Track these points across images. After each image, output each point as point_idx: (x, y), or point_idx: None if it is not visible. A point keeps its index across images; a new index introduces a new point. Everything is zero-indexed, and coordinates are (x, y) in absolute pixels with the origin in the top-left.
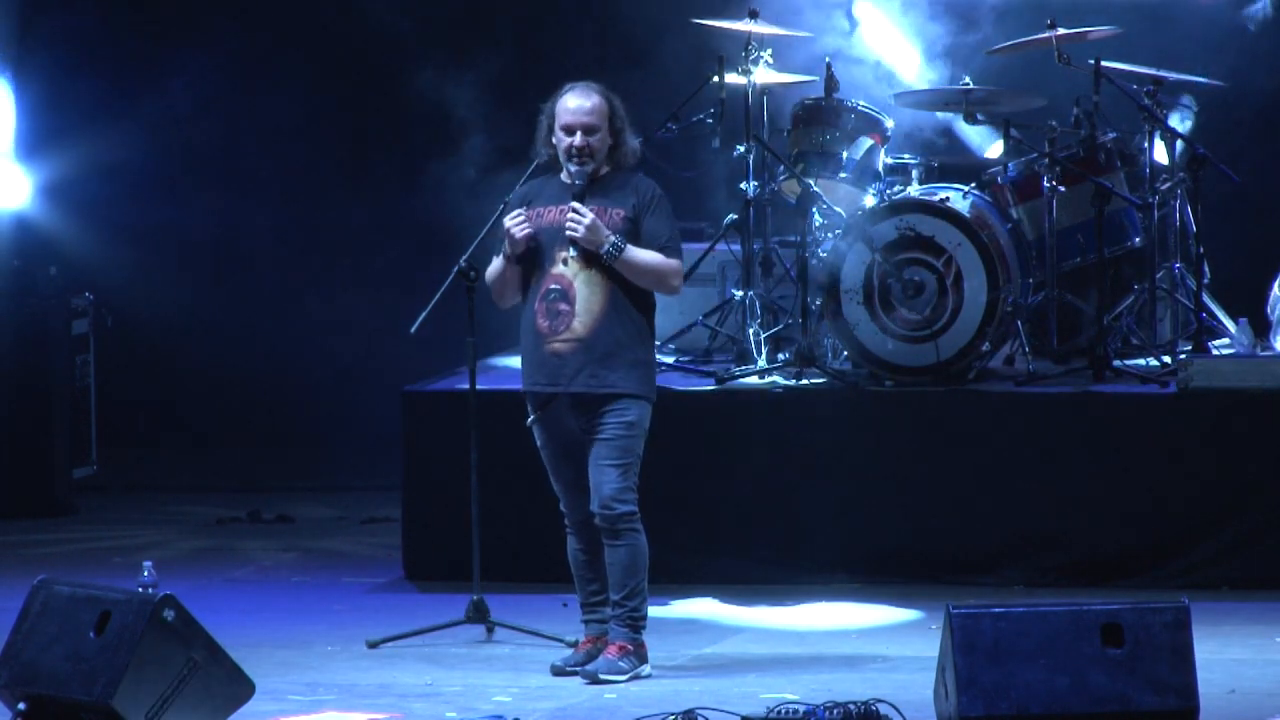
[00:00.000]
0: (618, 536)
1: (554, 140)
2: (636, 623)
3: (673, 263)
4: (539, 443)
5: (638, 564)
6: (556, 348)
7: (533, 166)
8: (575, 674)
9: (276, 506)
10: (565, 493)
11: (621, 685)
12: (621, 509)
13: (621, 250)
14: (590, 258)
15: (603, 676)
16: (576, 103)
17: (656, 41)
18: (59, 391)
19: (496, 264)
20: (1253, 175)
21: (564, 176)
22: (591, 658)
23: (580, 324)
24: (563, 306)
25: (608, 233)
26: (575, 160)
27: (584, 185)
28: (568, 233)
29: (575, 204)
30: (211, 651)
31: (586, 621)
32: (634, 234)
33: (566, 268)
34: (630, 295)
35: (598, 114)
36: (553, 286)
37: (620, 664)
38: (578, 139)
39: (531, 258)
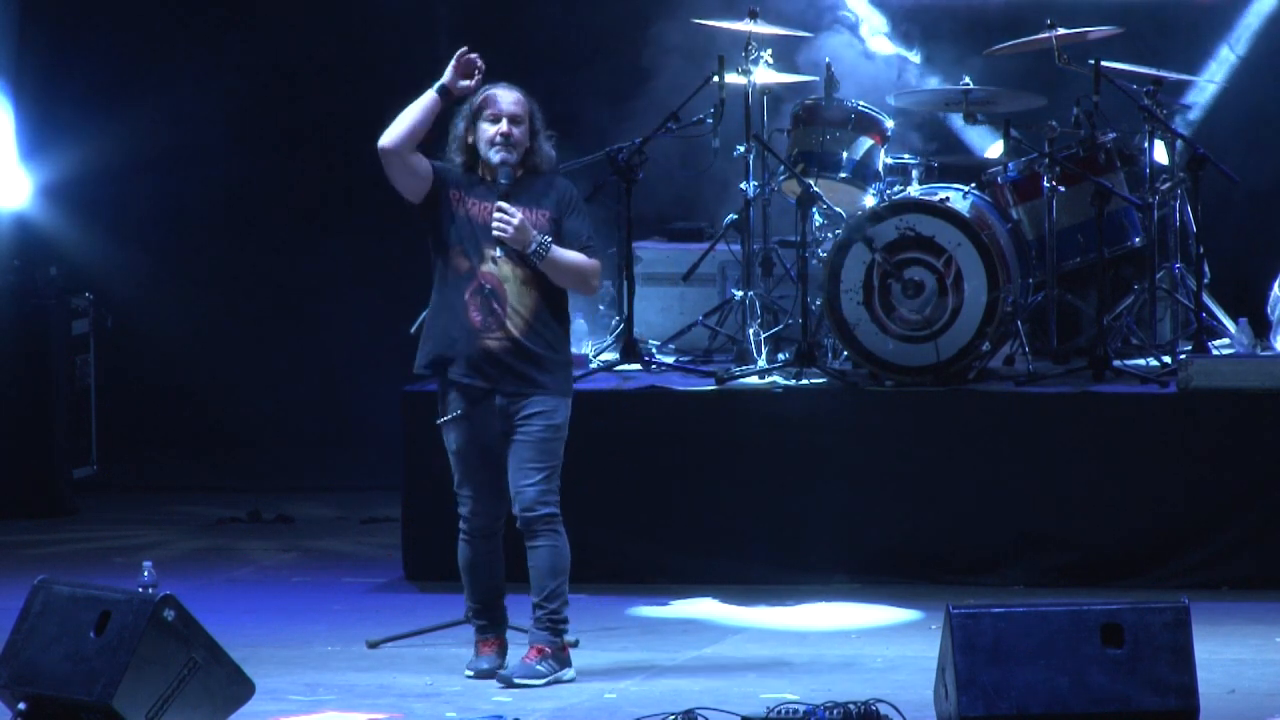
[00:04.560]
0: (538, 538)
1: (471, 137)
2: (556, 625)
3: (594, 262)
4: (456, 444)
5: (559, 566)
6: (489, 345)
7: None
8: (491, 677)
9: (276, 506)
10: (478, 497)
11: (621, 685)
12: (544, 510)
13: (549, 250)
14: (518, 257)
15: (518, 680)
16: (503, 94)
17: (657, 41)
18: (59, 391)
19: (423, 98)
20: (1253, 175)
21: (482, 174)
22: (499, 660)
23: (512, 324)
24: (494, 305)
25: (535, 233)
26: (500, 148)
27: (509, 184)
28: (495, 233)
29: (501, 204)
30: (211, 651)
31: (484, 626)
32: (556, 234)
33: (496, 267)
34: (556, 297)
35: (522, 107)
36: (482, 283)
37: (538, 668)
38: (504, 125)
39: (456, 243)
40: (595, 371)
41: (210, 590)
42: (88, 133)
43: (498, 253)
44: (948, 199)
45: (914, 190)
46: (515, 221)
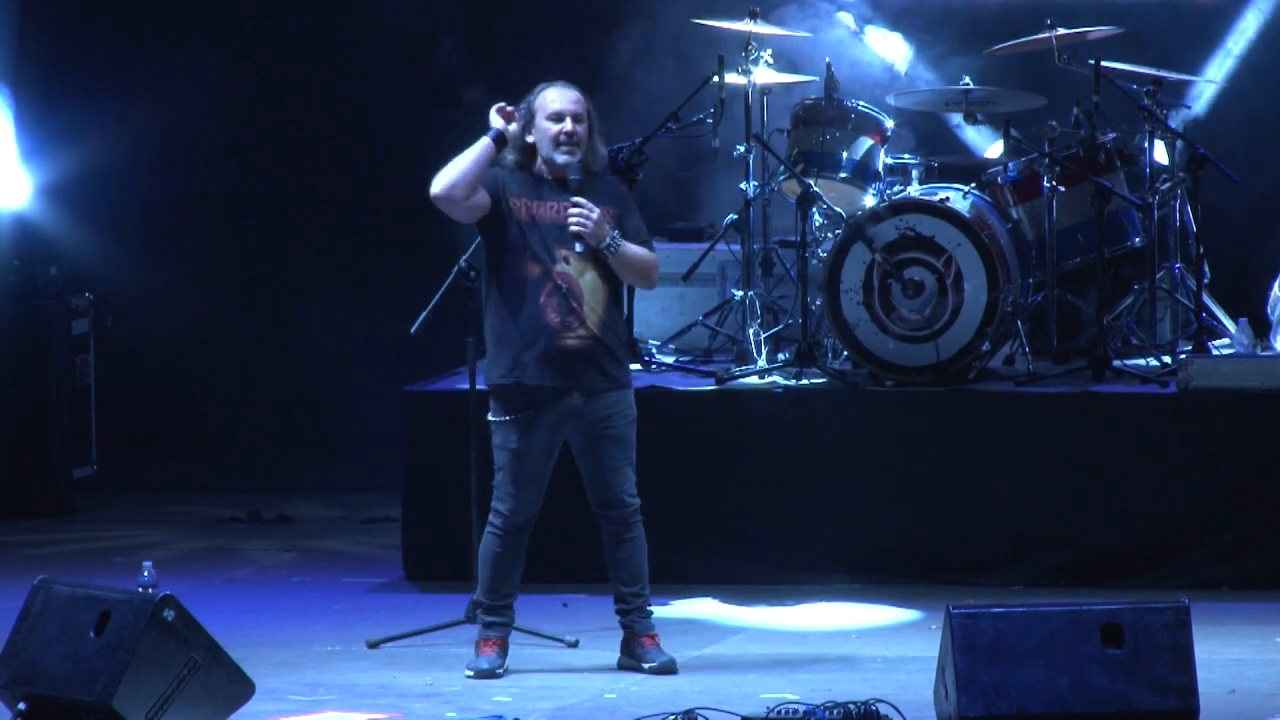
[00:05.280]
0: (632, 530)
1: (531, 137)
2: (650, 612)
3: (655, 257)
4: (517, 443)
5: (646, 554)
6: (569, 344)
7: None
8: (491, 677)
9: (276, 506)
10: (525, 493)
11: (621, 685)
12: (635, 504)
13: (620, 245)
14: (589, 255)
15: (671, 667)
16: (563, 93)
17: (656, 41)
18: (59, 391)
19: (475, 147)
20: (1253, 175)
21: (541, 171)
22: (500, 660)
23: (590, 322)
24: (573, 304)
25: (608, 228)
26: (564, 149)
27: (581, 179)
28: (574, 228)
29: (577, 199)
30: (211, 651)
31: (494, 624)
32: (620, 231)
33: (570, 265)
34: (619, 293)
35: (581, 106)
36: (558, 283)
37: (667, 652)
38: (567, 124)
39: (525, 249)
40: None
41: (210, 590)
42: (88, 133)
43: (577, 248)
44: (948, 199)
45: (914, 190)
46: (594, 216)
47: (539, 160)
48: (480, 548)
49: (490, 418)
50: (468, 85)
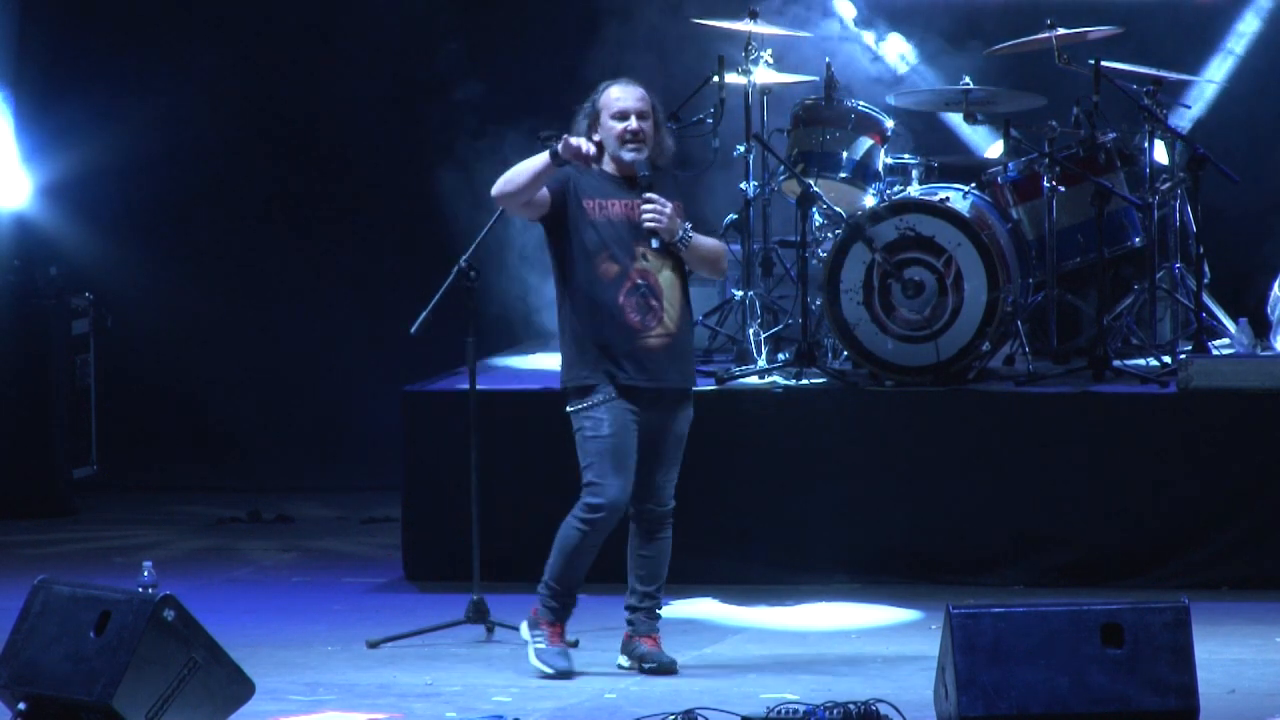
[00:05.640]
0: (664, 530)
1: (597, 135)
2: (659, 614)
3: (725, 246)
4: (609, 430)
5: (669, 558)
6: (650, 343)
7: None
8: (569, 677)
9: (276, 506)
10: (621, 485)
11: (621, 686)
12: (673, 505)
13: (692, 237)
14: (663, 250)
15: (671, 668)
16: (626, 91)
17: (655, 41)
18: (59, 391)
19: (536, 160)
20: (1252, 175)
21: (610, 168)
22: (566, 655)
23: (669, 319)
24: (653, 302)
25: (680, 221)
26: (630, 146)
27: (651, 175)
28: (648, 223)
29: (649, 194)
30: (211, 651)
31: (559, 608)
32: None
33: (649, 262)
34: (688, 289)
35: (646, 103)
36: (639, 281)
37: (667, 653)
38: (633, 123)
39: (601, 249)
40: None
41: (210, 590)
42: (88, 133)
43: (653, 244)
44: (948, 199)
45: (914, 190)
46: (668, 210)
47: (606, 158)
48: (567, 537)
49: (571, 408)
50: (467, 85)
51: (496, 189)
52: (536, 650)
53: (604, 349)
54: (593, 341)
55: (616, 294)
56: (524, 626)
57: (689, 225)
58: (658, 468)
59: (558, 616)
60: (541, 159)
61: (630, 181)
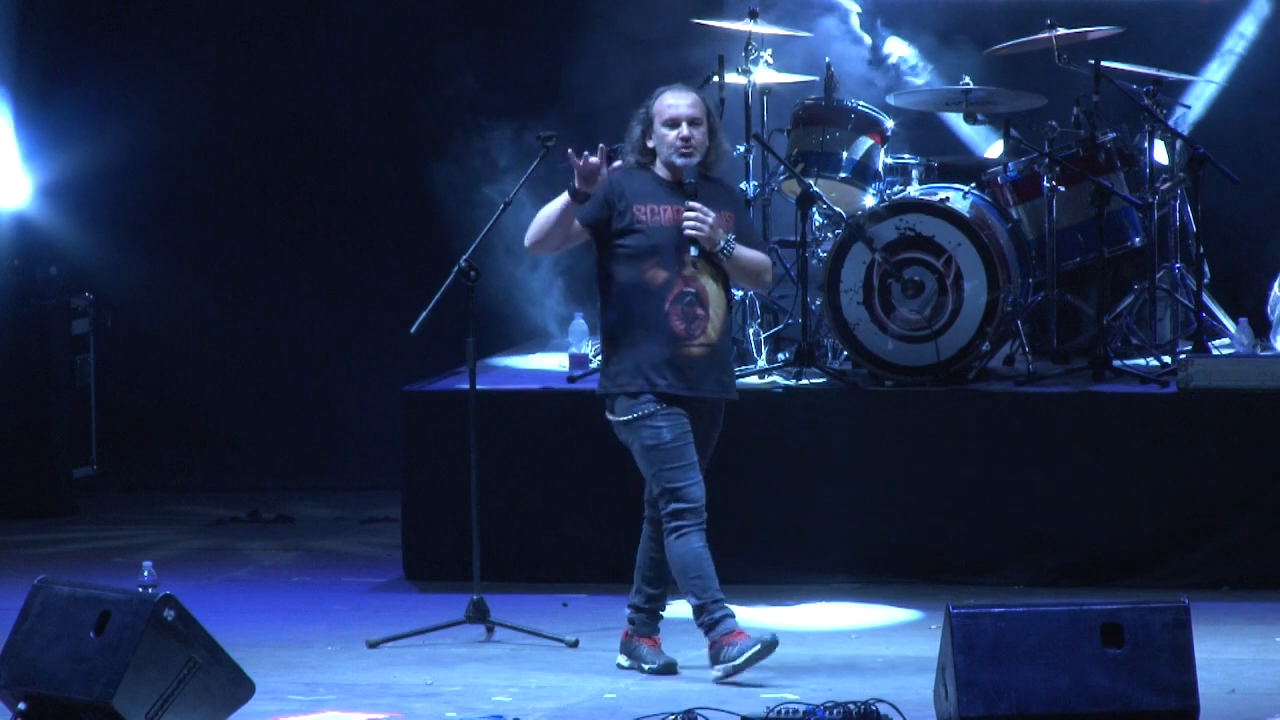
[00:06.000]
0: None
1: (651, 141)
2: (662, 617)
3: (768, 259)
4: (668, 435)
5: None
6: (693, 352)
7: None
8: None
9: (276, 506)
10: (697, 481)
11: (621, 685)
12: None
13: (734, 248)
14: (706, 259)
15: (672, 668)
16: (679, 97)
17: (655, 41)
18: (59, 391)
19: (557, 203)
20: (1253, 175)
21: (661, 173)
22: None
23: (712, 329)
24: (699, 310)
25: (723, 232)
26: (681, 153)
27: (697, 182)
28: (689, 231)
29: (692, 202)
30: (211, 651)
31: (724, 616)
32: (736, 233)
33: (696, 270)
34: (731, 299)
35: (699, 108)
36: (686, 289)
37: (666, 654)
38: (684, 129)
39: (650, 255)
40: (595, 371)
41: (210, 590)
42: (88, 133)
43: (693, 252)
44: (948, 199)
45: (914, 190)
46: (710, 220)
47: (660, 164)
48: (680, 555)
49: (621, 417)
50: (467, 86)
51: (528, 241)
52: (736, 654)
53: (646, 355)
54: (635, 347)
55: (663, 300)
56: (715, 671)
57: (732, 237)
58: None
59: (731, 624)
60: (562, 200)
61: (681, 187)
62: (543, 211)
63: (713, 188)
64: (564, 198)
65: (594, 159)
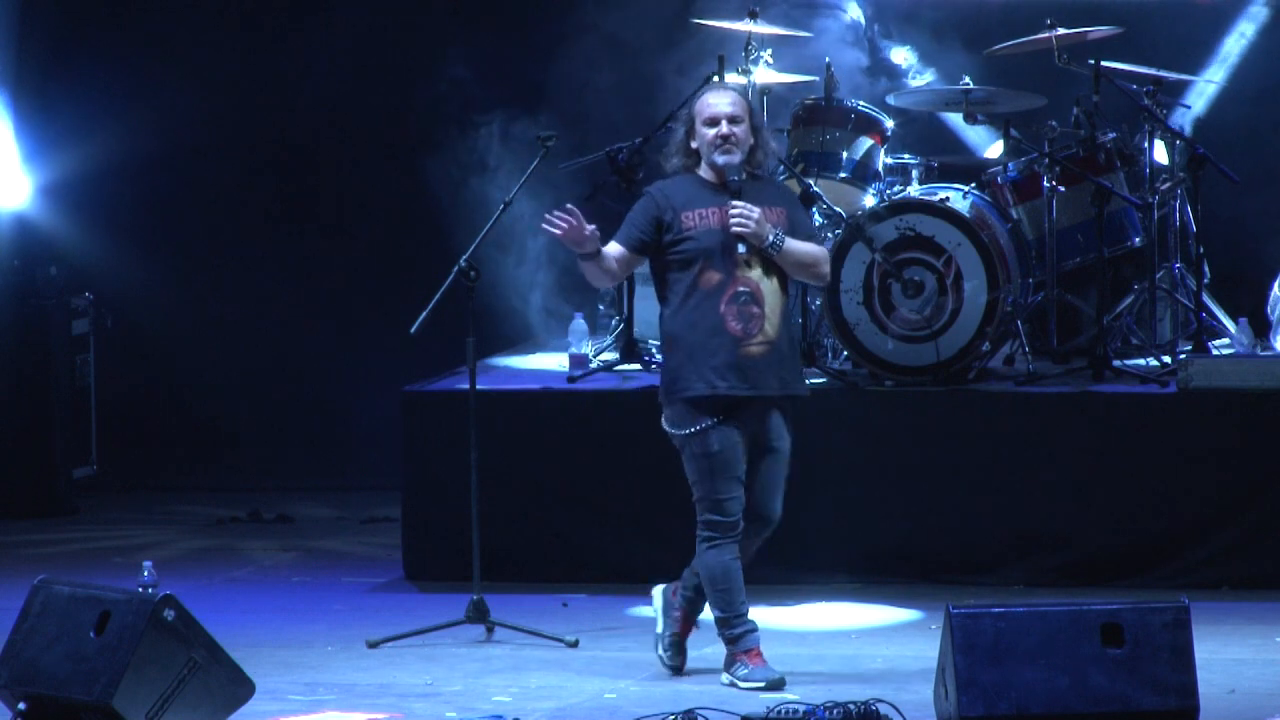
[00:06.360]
0: (760, 546)
1: (694, 142)
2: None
3: (824, 250)
4: (716, 446)
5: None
6: (752, 351)
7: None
8: (782, 687)
9: (276, 506)
10: (737, 497)
11: (621, 685)
12: (778, 518)
13: (784, 243)
14: (760, 257)
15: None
16: (719, 96)
17: (655, 41)
18: (59, 391)
19: (583, 264)
20: (1253, 175)
21: (704, 174)
22: (772, 669)
23: (770, 326)
24: (754, 309)
25: (770, 226)
26: (721, 150)
27: (741, 180)
28: (735, 229)
29: (735, 201)
30: (211, 651)
31: (743, 634)
32: (790, 229)
33: (751, 269)
34: (790, 297)
35: (739, 105)
36: (741, 289)
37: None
38: (723, 127)
39: (704, 258)
40: (595, 371)
41: (210, 590)
42: (87, 133)
43: (740, 249)
44: (948, 199)
45: (914, 190)
46: (754, 215)
47: (704, 165)
48: (709, 566)
49: (673, 429)
50: (468, 85)
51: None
52: (741, 677)
53: (706, 358)
54: (694, 350)
55: (718, 303)
56: (724, 675)
57: (780, 230)
58: (757, 481)
59: (747, 643)
60: (584, 262)
61: (725, 187)
62: (584, 270)
63: (759, 184)
64: (584, 264)
65: (569, 221)
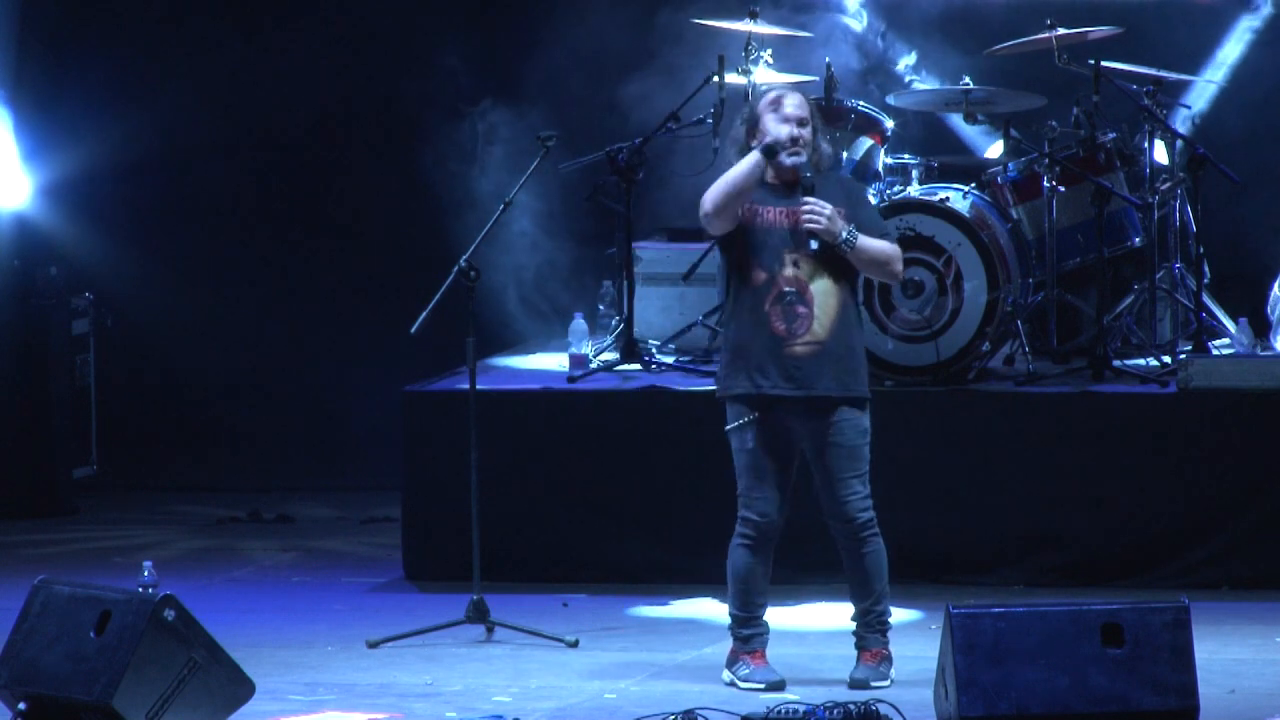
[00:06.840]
0: (865, 544)
1: (754, 141)
2: (886, 627)
3: (897, 248)
4: (751, 444)
5: (883, 569)
6: (797, 351)
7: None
8: (783, 689)
9: (276, 506)
10: (768, 497)
11: (621, 685)
12: (866, 517)
13: (857, 239)
14: (820, 257)
15: (874, 684)
16: (787, 98)
17: (655, 41)
18: (59, 391)
19: (746, 165)
20: (1253, 175)
21: (767, 175)
22: (773, 670)
23: (820, 326)
24: (800, 309)
25: (843, 223)
26: (790, 152)
27: (813, 177)
28: (809, 225)
29: (808, 197)
30: (211, 651)
31: (751, 636)
32: (855, 226)
33: (799, 269)
34: (853, 298)
35: (806, 109)
36: (786, 289)
37: (886, 671)
38: (793, 129)
39: (753, 256)
40: (595, 371)
41: (210, 590)
42: (88, 133)
43: (813, 246)
44: (948, 199)
45: (914, 190)
46: (828, 212)
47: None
48: (733, 560)
49: (726, 425)
50: (467, 87)
51: (712, 201)
52: (741, 677)
53: (750, 357)
54: (741, 349)
55: (763, 301)
56: (725, 673)
57: (853, 227)
58: (827, 481)
59: (753, 645)
60: (751, 159)
61: (789, 188)
62: (726, 176)
63: (828, 184)
64: (754, 157)
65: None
